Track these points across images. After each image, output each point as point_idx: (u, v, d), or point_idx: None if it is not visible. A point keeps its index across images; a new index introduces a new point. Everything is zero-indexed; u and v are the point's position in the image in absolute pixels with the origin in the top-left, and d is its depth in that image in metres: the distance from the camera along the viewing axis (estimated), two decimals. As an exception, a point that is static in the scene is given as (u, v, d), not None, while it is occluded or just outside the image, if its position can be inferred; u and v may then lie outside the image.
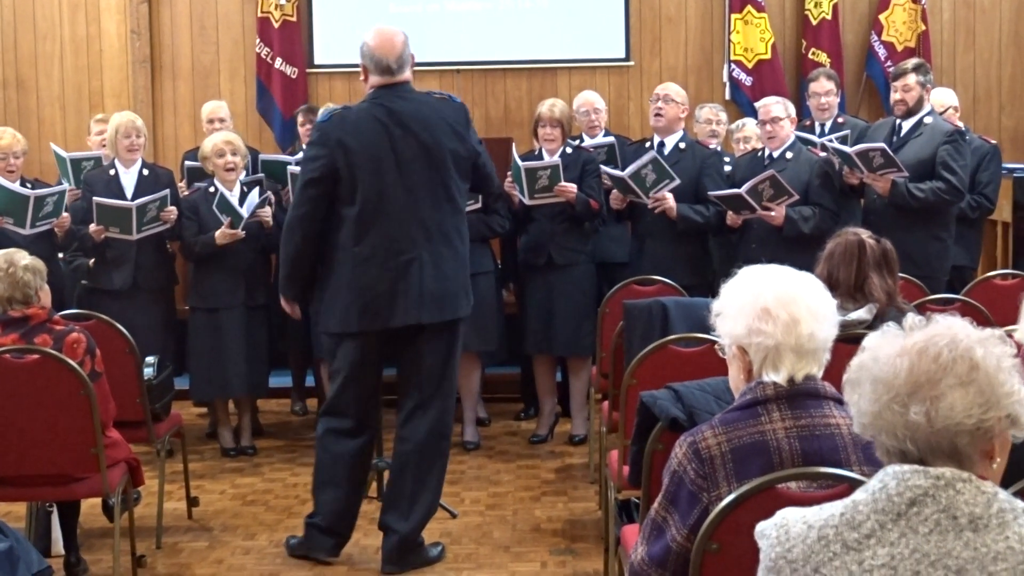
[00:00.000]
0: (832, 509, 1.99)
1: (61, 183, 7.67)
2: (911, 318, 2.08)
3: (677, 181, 7.14)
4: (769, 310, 2.84)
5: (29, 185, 7.25)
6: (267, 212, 7.24)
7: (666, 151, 7.42)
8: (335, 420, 5.58)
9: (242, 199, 7.27)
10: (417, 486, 5.53)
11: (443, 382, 5.57)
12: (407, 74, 5.47)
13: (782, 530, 1.99)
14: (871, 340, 2.07)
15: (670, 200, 7.16)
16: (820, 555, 1.93)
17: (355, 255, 5.37)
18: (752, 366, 2.88)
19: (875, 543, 1.91)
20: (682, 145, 7.47)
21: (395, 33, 5.45)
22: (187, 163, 8.23)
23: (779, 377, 2.84)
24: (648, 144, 7.57)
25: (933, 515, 1.91)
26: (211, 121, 8.25)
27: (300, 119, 8.26)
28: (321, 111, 7.62)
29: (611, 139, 8.06)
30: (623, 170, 7.29)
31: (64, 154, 7.96)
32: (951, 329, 2.02)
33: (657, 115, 7.49)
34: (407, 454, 5.55)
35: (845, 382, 2.06)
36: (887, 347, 2.02)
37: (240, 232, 7.14)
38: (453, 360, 5.61)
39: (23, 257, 5.15)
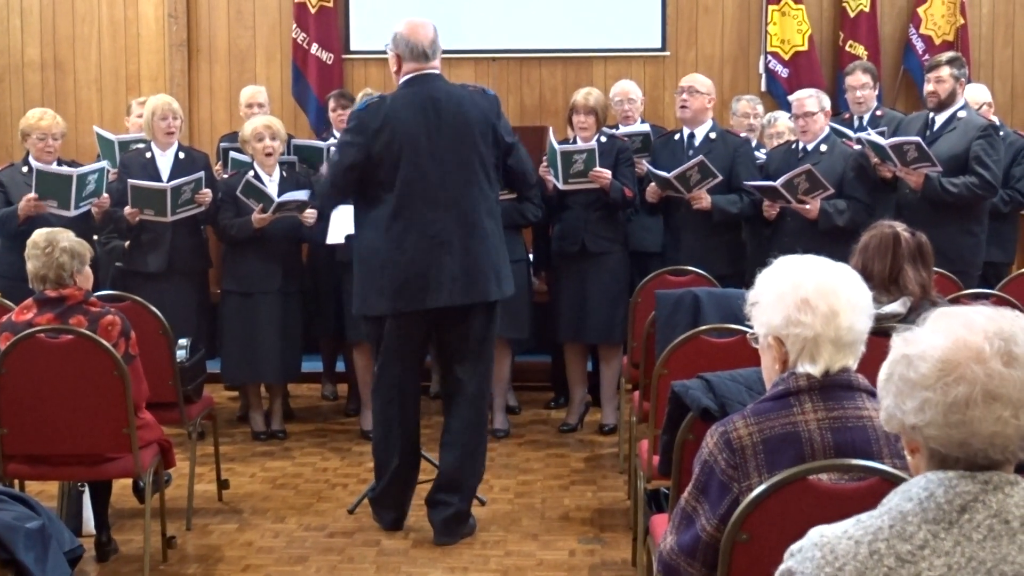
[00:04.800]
0: (876, 522, 1.91)
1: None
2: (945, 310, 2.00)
3: (720, 178, 7.15)
4: (809, 301, 2.82)
5: (66, 167, 7.25)
6: (312, 215, 7.21)
7: (697, 142, 7.42)
8: (380, 400, 5.77)
9: (282, 183, 7.29)
10: (469, 461, 5.74)
11: (482, 361, 5.74)
12: (439, 63, 5.64)
13: (827, 549, 1.90)
14: (936, 348, 1.93)
15: (706, 201, 7.17)
16: (874, 570, 1.85)
17: (389, 238, 5.50)
18: (788, 357, 2.86)
19: (930, 553, 1.85)
20: (712, 135, 7.47)
21: (427, 23, 5.65)
22: (222, 145, 8.26)
23: (816, 369, 2.82)
24: (677, 136, 7.58)
25: (986, 521, 1.86)
26: (250, 106, 8.26)
27: (332, 104, 8.24)
28: (359, 97, 7.62)
29: (646, 127, 8.06)
30: (654, 159, 7.29)
31: (111, 136, 7.97)
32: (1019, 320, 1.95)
33: (683, 107, 7.51)
34: (457, 432, 5.73)
35: (950, 405, 1.90)
36: (976, 353, 1.90)
37: (270, 215, 7.14)
38: (491, 340, 5.80)
39: (65, 238, 5.14)
